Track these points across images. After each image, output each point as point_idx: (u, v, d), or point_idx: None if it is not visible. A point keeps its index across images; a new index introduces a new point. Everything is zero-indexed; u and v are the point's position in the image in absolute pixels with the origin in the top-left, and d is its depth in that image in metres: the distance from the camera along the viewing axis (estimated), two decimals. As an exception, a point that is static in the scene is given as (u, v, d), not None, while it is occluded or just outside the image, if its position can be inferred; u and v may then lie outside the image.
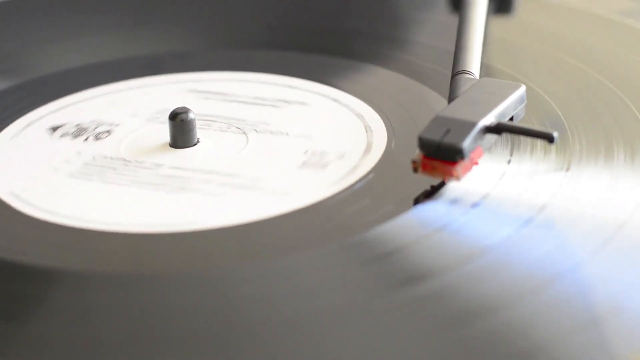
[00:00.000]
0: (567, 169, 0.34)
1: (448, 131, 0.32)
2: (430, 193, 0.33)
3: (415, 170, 0.32)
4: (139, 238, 0.32)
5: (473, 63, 0.37)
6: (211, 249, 0.31)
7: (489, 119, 0.33)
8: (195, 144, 0.37)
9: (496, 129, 0.33)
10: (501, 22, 0.47)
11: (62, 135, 0.38)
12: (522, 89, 0.35)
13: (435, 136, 0.32)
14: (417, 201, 0.32)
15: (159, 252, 0.31)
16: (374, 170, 0.35)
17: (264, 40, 0.46)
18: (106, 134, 0.38)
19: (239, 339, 0.27)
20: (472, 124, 0.32)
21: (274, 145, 0.37)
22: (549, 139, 0.32)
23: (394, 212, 0.32)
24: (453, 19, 0.43)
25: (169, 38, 0.46)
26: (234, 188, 0.34)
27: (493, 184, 0.33)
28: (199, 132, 0.37)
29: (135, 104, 0.41)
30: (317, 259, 0.30)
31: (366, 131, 0.37)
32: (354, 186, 0.34)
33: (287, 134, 0.38)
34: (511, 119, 0.34)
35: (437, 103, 0.38)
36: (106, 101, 0.41)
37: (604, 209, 0.32)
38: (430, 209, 0.32)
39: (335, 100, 0.40)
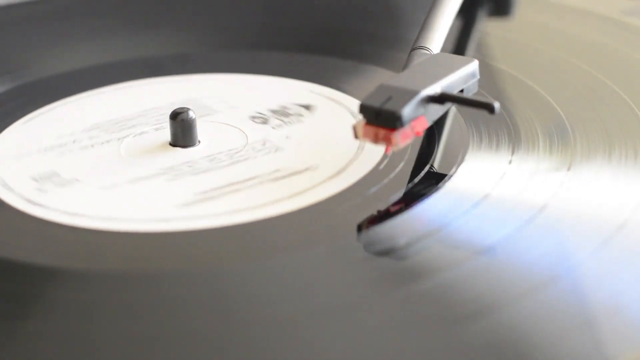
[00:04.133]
0: (569, 169, 0.34)
1: (389, 98, 0.32)
2: (377, 219, 0.32)
3: (356, 136, 0.32)
4: (139, 237, 0.32)
5: (434, 41, 0.37)
6: (211, 249, 0.31)
7: (433, 89, 0.33)
8: (197, 144, 0.37)
9: (439, 98, 0.33)
10: (502, 22, 0.47)
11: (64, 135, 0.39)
12: (475, 64, 0.35)
13: (375, 103, 0.32)
14: (360, 228, 0.32)
15: (159, 251, 0.32)
16: (373, 170, 0.35)
17: (266, 41, 0.46)
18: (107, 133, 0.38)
19: (238, 338, 0.27)
20: (414, 92, 0.32)
21: (274, 146, 0.37)
22: (490, 109, 0.32)
23: (394, 212, 0.32)
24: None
25: (168, 41, 0.47)
26: (233, 188, 0.34)
27: (494, 183, 0.33)
28: (200, 132, 0.37)
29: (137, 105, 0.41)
30: (316, 258, 0.30)
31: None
32: (354, 186, 0.34)
33: (288, 134, 0.38)
34: (461, 92, 0.34)
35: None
36: (103, 101, 0.41)
37: (605, 209, 0.32)
38: (430, 209, 0.32)
39: (337, 101, 0.40)
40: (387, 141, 0.32)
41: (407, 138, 0.32)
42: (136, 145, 0.38)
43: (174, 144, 0.37)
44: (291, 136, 0.37)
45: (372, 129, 0.32)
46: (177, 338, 0.27)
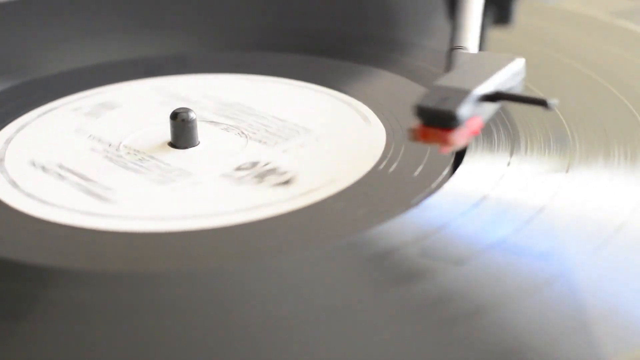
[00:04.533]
0: (567, 171, 0.34)
1: (444, 99, 0.32)
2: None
3: (412, 139, 0.33)
4: (139, 237, 0.32)
5: (470, 40, 0.38)
6: (210, 249, 0.31)
7: (486, 88, 0.33)
8: (197, 145, 0.37)
9: (493, 97, 0.33)
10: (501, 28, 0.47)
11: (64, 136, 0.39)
12: (521, 62, 0.35)
13: (431, 103, 0.32)
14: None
15: (159, 251, 0.31)
16: (373, 170, 0.35)
17: (269, 42, 0.46)
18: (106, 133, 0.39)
19: (238, 339, 0.27)
20: (468, 92, 0.33)
21: (275, 145, 0.37)
22: (545, 105, 0.32)
23: (393, 212, 0.32)
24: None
25: (168, 41, 0.47)
26: (233, 188, 0.34)
27: (493, 184, 0.33)
28: (200, 132, 0.37)
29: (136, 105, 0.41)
30: (316, 258, 0.30)
31: (367, 132, 0.37)
32: (354, 186, 0.34)
33: (290, 134, 0.38)
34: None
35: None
36: (102, 101, 0.41)
37: (603, 211, 0.32)
38: (429, 209, 0.32)
39: (337, 102, 0.40)
40: (445, 141, 0.32)
41: (464, 138, 0.32)
42: (136, 145, 0.38)
43: (172, 143, 0.37)
44: (293, 135, 0.37)
45: (428, 130, 0.32)
46: (177, 338, 0.27)
